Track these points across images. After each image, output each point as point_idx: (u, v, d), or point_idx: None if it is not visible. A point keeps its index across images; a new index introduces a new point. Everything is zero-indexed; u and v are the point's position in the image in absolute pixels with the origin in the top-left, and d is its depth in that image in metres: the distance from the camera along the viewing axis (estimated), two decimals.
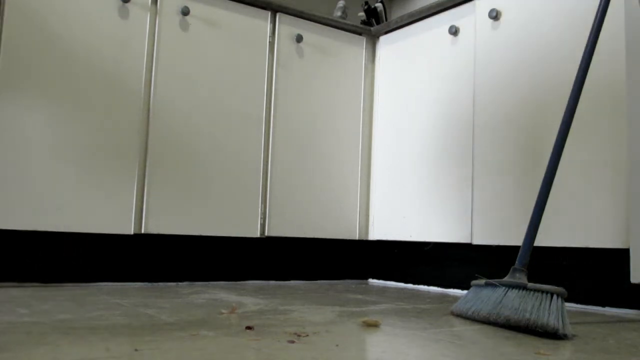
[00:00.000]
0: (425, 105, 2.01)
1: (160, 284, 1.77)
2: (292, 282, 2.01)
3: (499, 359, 0.83)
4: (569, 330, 1.04)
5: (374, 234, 2.16)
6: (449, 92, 1.92)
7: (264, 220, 1.95)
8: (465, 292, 1.37)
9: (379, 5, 2.53)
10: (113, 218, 1.68)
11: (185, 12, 1.82)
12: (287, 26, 2.04)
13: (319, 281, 2.08)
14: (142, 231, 1.73)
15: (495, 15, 1.76)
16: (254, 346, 0.84)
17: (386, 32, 2.22)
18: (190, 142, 1.82)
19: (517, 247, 1.47)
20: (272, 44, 2.01)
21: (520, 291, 1.15)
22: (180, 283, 1.80)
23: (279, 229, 1.97)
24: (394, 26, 2.17)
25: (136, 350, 0.79)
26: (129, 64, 1.74)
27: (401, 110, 2.11)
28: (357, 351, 0.86)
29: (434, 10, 2.01)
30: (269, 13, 2.01)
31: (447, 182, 1.88)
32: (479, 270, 1.74)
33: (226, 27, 1.92)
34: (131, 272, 1.73)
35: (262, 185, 1.95)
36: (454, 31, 1.91)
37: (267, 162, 1.98)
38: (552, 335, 1.03)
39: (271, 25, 2.01)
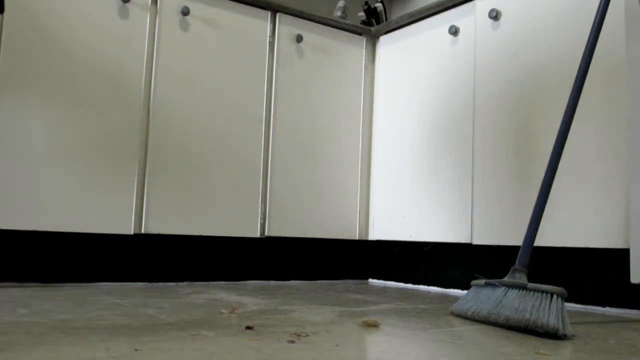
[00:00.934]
0: (425, 105, 2.01)
1: (160, 284, 1.77)
2: (292, 282, 2.01)
3: (499, 359, 0.83)
4: (569, 330, 1.04)
5: (374, 234, 2.16)
6: (449, 92, 1.92)
7: (264, 220, 1.95)
8: (465, 292, 1.37)
9: (379, 5, 2.53)
10: (113, 218, 1.68)
11: (185, 12, 1.82)
12: (287, 26, 2.04)
13: (319, 281, 2.08)
14: (142, 231, 1.73)
15: (495, 15, 1.76)
16: (254, 346, 0.84)
17: (386, 32, 2.22)
18: (190, 142, 1.82)
19: (517, 247, 1.47)
20: (272, 44, 2.01)
21: (520, 291, 1.15)
22: (180, 283, 1.80)
23: (279, 229, 1.97)
24: (394, 26, 2.17)
25: (136, 350, 0.79)
26: (129, 64, 1.74)
27: (401, 110, 2.11)
28: (357, 351, 0.86)
29: (434, 10, 2.01)
30: (269, 13, 2.01)
31: (447, 182, 1.88)
32: (479, 270, 1.74)
33: (226, 27, 1.92)
34: (131, 272, 1.73)
35: (262, 185, 1.95)
36: (454, 31, 1.91)
37: (267, 162, 1.98)
38: (552, 335, 1.03)
39: (271, 25, 2.01)
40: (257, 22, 1.98)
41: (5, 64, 1.56)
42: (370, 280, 2.20)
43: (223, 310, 1.20)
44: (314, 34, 2.10)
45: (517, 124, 1.68)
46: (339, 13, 2.46)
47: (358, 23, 2.46)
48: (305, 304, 1.38)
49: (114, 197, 1.68)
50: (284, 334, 0.95)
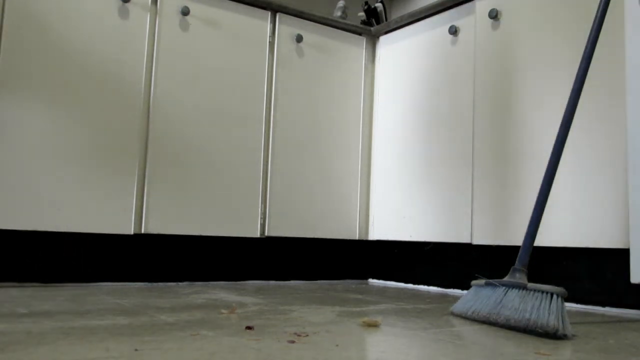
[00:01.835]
0: (425, 105, 2.01)
1: (160, 284, 1.77)
2: (292, 282, 2.01)
3: (499, 359, 0.83)
4: (569, 330, 1.04)
5: (374, 234, 2.16)
6: (449, 92, 1.92)
7: (264, 220, 1.95)
8: (465, 292, 1.37)
9: (379, 5, 2.53)
10: (113, 218, 1.68)
11: (185, 12, 1.82)
12: (287, 26, 2.04)
13: (319, 281, 2.08)
14: (142, 231, 1.73)
15: (495, 15, 1.76)
16: (254, 346, 0.84)
17: (386, 32, 2.22)
18: (190, 142, 1.82)
19: (517, 247, 1.47)
20: (272, 44, 2.01)
21: (520, 291, 1.15)
22: (180, 283, 1.80)
23: (279, 229, 1.97)
24: (394, 26, 2.17)
25: (136, 350, 0.79)
26: (129, 64, 1.74)
27: (401, 110, 2.11)
28: (357, 351, 0.86)
29: (434, 10, 2.01)
30: (269, 13, 2.01)
31: (447, 182, 1.88)
32: (479, 270, 1.74)
33: (226, 27, 1.92)
34: (131, 272, 1.73)
35: (262, 185, 1.95)
36: (454, 31, 1.91)
37: (267, 162, 1.98)
38: (552, 335, 1.03)
39: (271, 25, 2.01)
40: (257, 22, 1.98)
41: (5, 64, 1.56)
42: (370, 280, 2.20)
43: (223, 310, 1.20)
44: (314, 34, 2.10)
45: (516, 123, 1.68)
46: (339, 13, 2.46)
47: (358, 23, 2.46)
48: (305, 304, 1.38)
49: (114, 197, 1.68)
50: (284, 334, 0.95)
